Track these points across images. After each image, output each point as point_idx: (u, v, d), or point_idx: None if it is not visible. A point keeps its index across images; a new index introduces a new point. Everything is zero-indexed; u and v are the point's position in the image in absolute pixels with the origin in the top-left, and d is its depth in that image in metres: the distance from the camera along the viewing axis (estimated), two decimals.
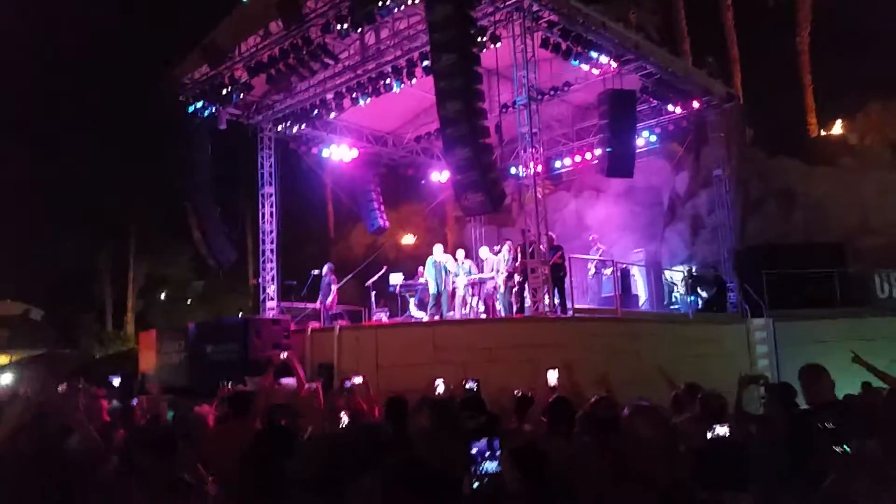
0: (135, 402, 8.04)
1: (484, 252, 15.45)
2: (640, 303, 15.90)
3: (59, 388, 9.54)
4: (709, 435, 3.99)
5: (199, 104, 15.92)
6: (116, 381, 11.43)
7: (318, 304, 15.59)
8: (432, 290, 14.36)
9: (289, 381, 7.55)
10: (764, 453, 4.53)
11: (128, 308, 34.47)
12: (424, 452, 3.92)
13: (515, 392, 6.61)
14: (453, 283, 14.65)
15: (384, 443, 4.15)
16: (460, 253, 15.34)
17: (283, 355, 7.62)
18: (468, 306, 14.75)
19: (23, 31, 30.71)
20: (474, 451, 2.63)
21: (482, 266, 15.12)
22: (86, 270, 34.40)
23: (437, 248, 14.85)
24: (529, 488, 2.49)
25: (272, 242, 17.63)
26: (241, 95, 15.80)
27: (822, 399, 4.72)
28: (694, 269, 17.46)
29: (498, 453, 2.63)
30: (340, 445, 3.98)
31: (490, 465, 2.61)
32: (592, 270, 16.30)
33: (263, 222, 17.72)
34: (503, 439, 2.91)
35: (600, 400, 4.25)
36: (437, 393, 6.89)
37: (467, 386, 6.66)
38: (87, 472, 4.04)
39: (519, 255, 13.50)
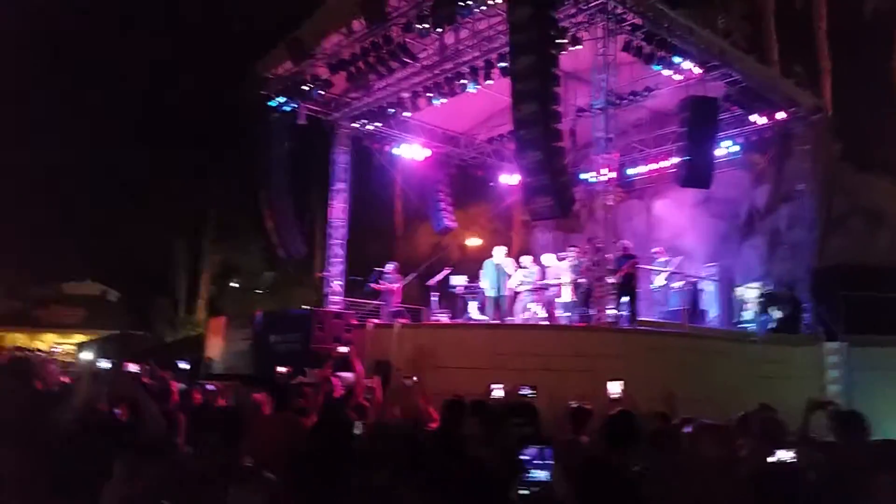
0: (211, 387, 8.19)
1: (547, 259, 15.27)
2: (709, 319, 15.41)
3: (131, 368, 9.91)
4: (770, 459, 3.79)
5: (281, 99, 16.28)
6: (185, 365, 11.79)
7: (380, 301, 15.71)
8: (489, 293, 14.29)
9: (347, 376, 7.61)
10: (823, 482, 4.29)
11: (200, 294, 35.55)
12: (474, 454, 3.86)
13: (572, 403, 6.48)
14: (514, 287, 14.53)
15: (416, 443, 4.09)
16: (526, 258, 15.20)
17: (343, 349, 7.67)
18: (530, 312, 14.59)
19: (107, 21, 32.03)
20: (525, 457, 2.56)
21: (546, 272, 14.93)
22: (163, 256, 35.66)
23: (498, 251, 14.76)
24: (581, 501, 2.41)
25: (340, 238, 17.87)
26: (322, 92, 16.09)
27: None
28: (769, 287, 16.82)
29: (549, 462, 2.56)
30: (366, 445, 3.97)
31: (540, 474, 2.53)
32: (658, 282, 15.87)
33: (333, 217, 17.99)
34: (557, 450, 2.83)
35: (659, 416, 4.11)
36: (492, 397, 6.79)
37: (522, 392, 6.54)
38: (154, 452, 4.14)
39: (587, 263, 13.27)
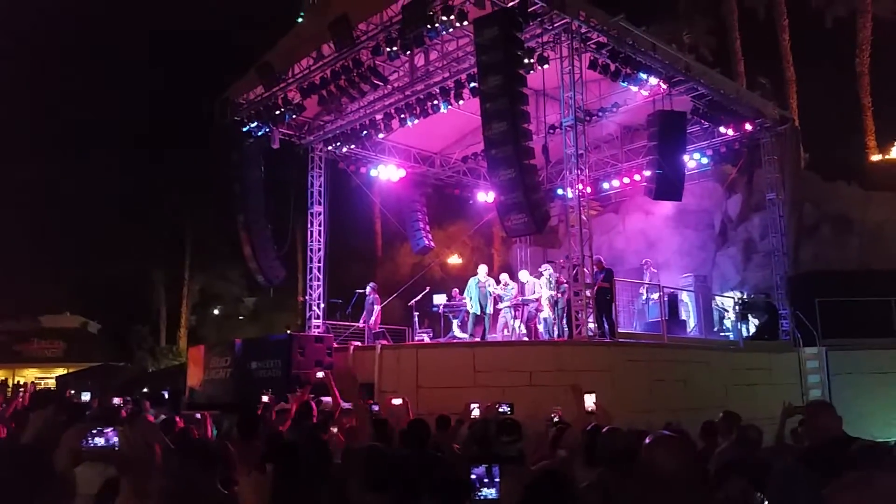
0: (197, 416, 8.18)
1: (524, 275, 15.39)
2: (689, 329, 15.57)
3: (114, 401, 9.85)
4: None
5: (254, 124, 16.35)
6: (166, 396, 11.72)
7: (361, 323, 15.72)
8: (473, 310, 14.37)
9: (326, 400, 7.62)
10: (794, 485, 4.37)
11: (181, 323, 35.33)
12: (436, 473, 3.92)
13: (552, 416, 6.54)
14: (496, 305, 14.64)
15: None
16: (504, 276, 15.35)
17: (320, 374, 7.67)
18: (510, 329, 14.67)
19: (81, 47, 31.99)
20: (473, 476, 2.62)
21: (523, 289, 15.04)
22: (142, 285, 35.43)
23: (482, 269, 14.87)
24: None
25: (319, 261, 17.86)
26: (294, 116, 16.18)
27: (823, 437, 4.40)
28: (745, 295, 17.05)
29: (497, 480, 2.62)
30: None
31: (489, 492, 2.60)
32: (645, 295, 16.06)
33: (311, 241, 17.99)
34: (503, 466, 2.89)
35: (612, 429, 4.18)
36: (472, 417, 6.83)
37: (500, 409, 6.59)
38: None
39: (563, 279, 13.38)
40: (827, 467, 3.10)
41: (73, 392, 13.77)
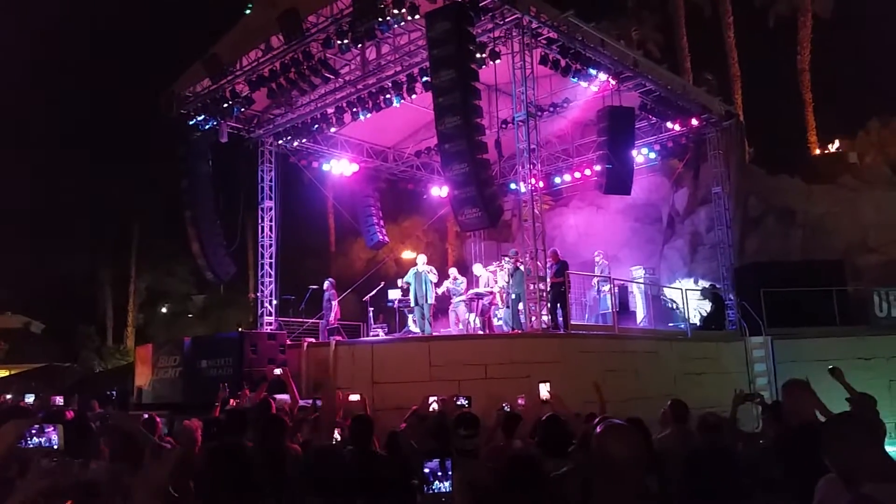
0: (145, 416, 8.02)
1: (478, 269, 15.44)
2: (638, 320, 15.85)
3: (57, 401, 9.59)
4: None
5: (201, 117, 15.97)
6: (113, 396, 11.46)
7: (318, 319, 15.59)
8: (411, 301, 14.40)
9: (283, 398, 7.53)
10: (754, 467, 4.54)
11: (129, 322, 34.51)
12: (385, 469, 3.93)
13: (504, 407, 6.59)
14: (435, 295, 14.65)
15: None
16: (452, 270, 15.39)
17: (277, 371, 7.57)
18: (463, 321, 14.71)
19: (26, 39, 30.98)
20: (427, 471, 2.63)
21: (478, 282, 15.09)
22: (87, 283, 34.49)
23: (420, 259, 14.82)
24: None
25: (271, 257, 17.60)
26: (243, 109, 15.88)
27: (803, 418, 4.64)
28: (693, 287, 17.43)
29: (450, 473, 2.63)
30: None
31: (442, 485, 2.61)
32: (597, 287, 16.25)
33: (263, 236, 17.70)
34: (489, 455, 2.90)
35: (585, 417, 4.25)
36: (430, 410, 6.85)
37: (458, 402, 6.62)
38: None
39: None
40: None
41: (9, 397, 13.33)
